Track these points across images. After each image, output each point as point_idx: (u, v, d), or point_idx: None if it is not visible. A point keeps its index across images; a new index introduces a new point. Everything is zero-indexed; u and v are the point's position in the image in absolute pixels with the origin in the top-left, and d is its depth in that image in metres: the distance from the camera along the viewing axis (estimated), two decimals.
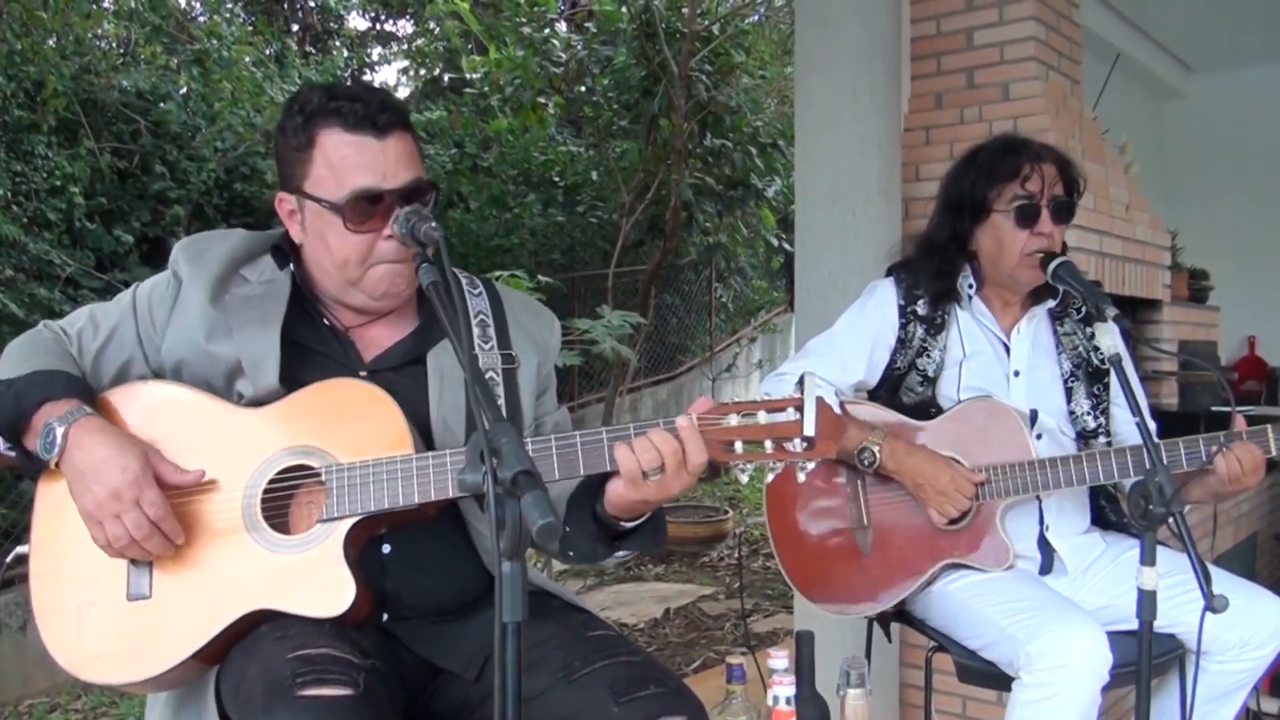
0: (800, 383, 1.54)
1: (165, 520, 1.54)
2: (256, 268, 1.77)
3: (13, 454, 1.61)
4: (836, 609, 2.35)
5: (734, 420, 1.52)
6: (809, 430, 1.50)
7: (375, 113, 1.65)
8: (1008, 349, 2.39)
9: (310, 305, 1.78)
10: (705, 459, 1.51)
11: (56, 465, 1.55)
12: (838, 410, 1.62)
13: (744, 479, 2.02)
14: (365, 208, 1.64)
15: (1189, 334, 4.38)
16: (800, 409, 1.51)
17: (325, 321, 1.77)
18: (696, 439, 1.50)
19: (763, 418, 1.52)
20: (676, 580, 6.59)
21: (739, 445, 1.52)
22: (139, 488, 1.52)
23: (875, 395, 2.47)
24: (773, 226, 9.46)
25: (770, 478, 1.71)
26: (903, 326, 2.39)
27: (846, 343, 2.42)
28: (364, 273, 1.68)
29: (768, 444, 1.52)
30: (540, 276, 6.43)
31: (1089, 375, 2.39)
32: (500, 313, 1.86)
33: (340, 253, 1.67)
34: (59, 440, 1.53)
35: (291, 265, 1.78)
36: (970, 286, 2.39)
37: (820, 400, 1.51)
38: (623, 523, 1.62)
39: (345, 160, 1.64)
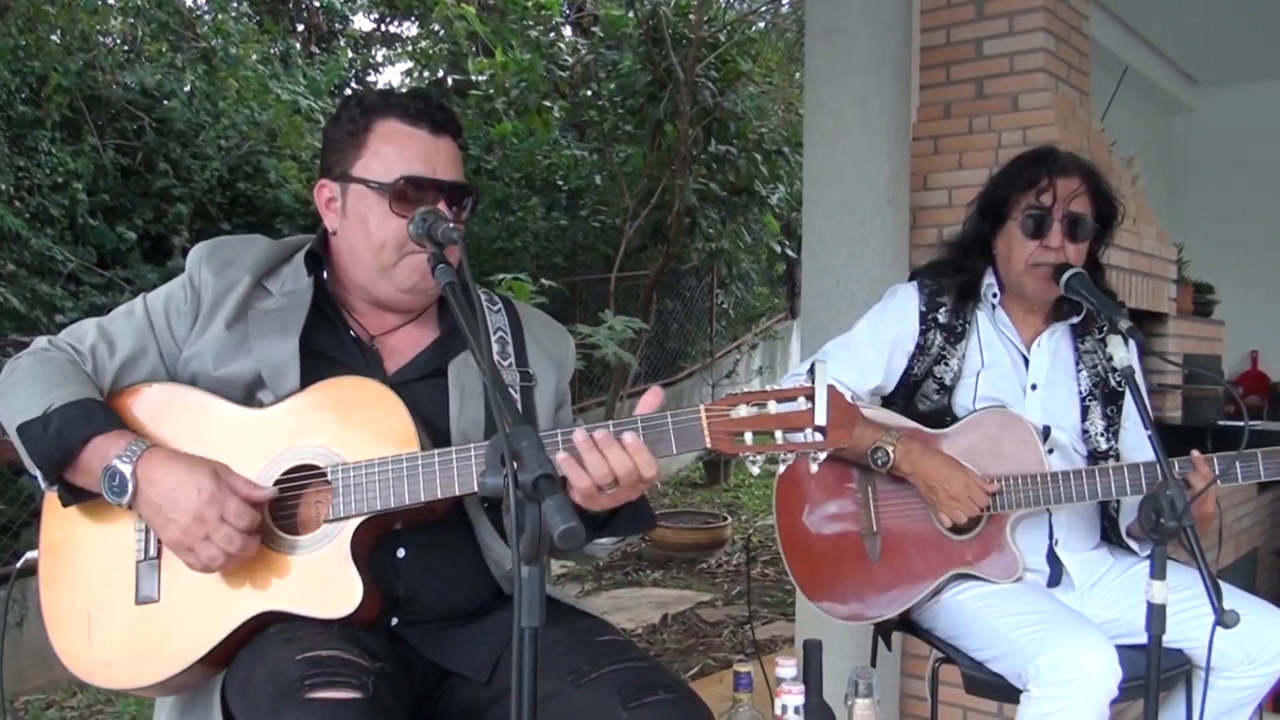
0: (811, 371, 1.52)
1: (256, 524, 1.53)
2: (278, 278, 1.76)
3: (53, 490, 1.58)
4: (843, 616, 2.34)
5: (743, 411, 1.50)
6: (820, 419, 1.48)
7: (434, 111, 1.73)
8: (1026, 361, 2.38)
9: (335, 315, 1.77)
10: (656, 472, 1.51)
11: (129, 506, 1.53)
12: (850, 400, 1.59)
13: (755, 470, 2.04)
14: (411, 193, 1.68)
15: (1193, 348, 4.37)
16: (811, 398, 1.49)
17: (351, 333, 1.77)
18: (645, 453, 1.49)
19: (773, 408, 1.49)
20: (675, 586, 6.58)
21: (749, 436, 1.50)
22: (219, 504, 1.50)
23: (891, 402, 2.46)
24: (776, 233, 9.47)
25: (782, 469, 1.69)
26: (923, 333, 2.39)
27: (865, 346, 2.41)
28: (398, 259, 1.69)
29: (778, 435, 1.49)
30: (542, 280, 6.43)
31: (1105, 395, 2.38)
32: (518, 330, 1.86)
33: (379, 235, 1.69)
34: (130, 482, 1.51)
35: (323, 271, 1.78)
36: (995, 295, 2.39)
37: (832, 389, 1.49)
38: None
39: (400, 146, 1.70)
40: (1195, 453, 2.11)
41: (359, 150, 1.71)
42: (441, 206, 1.68)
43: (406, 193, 1.67)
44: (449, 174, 1.72)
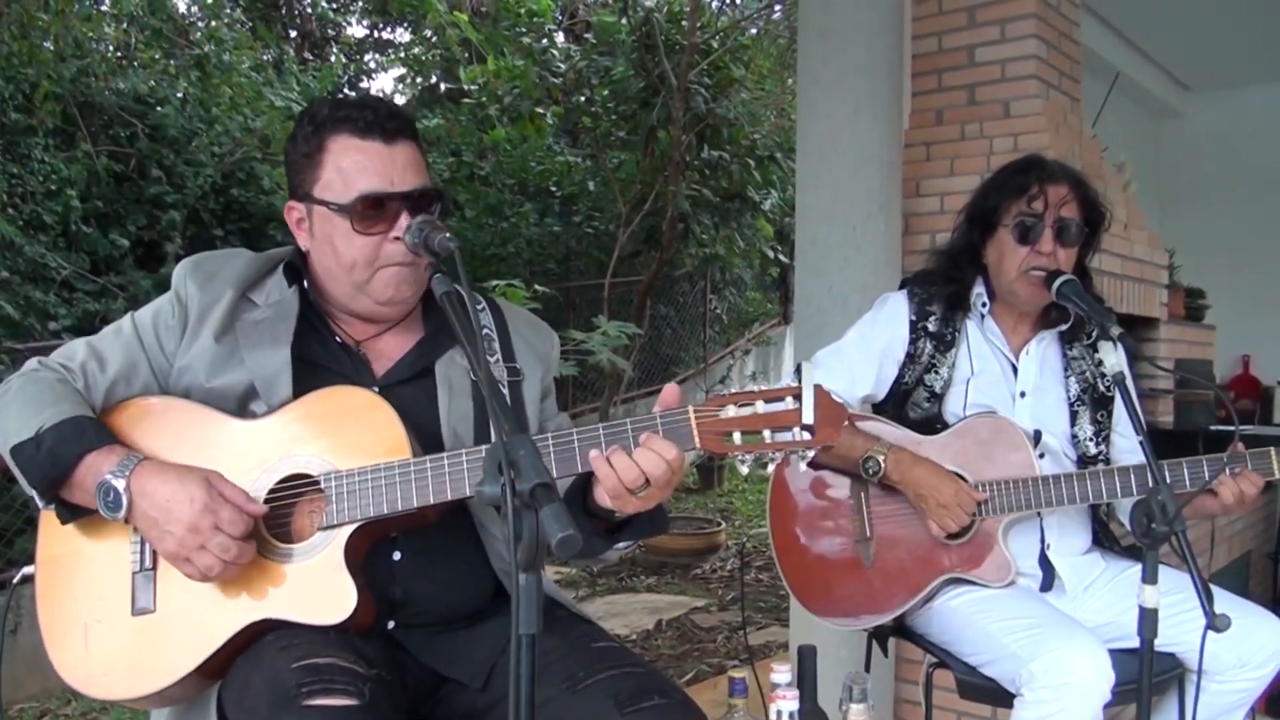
0: (798, 371, 1.54)
1: (250, 530, 1.54)
2: (263, 290, 1.77)
3: (50, 508, 1.58)
4: (837, 621, 2.36)
5: (731, 411, 1.52)
6: (808, 418, 1.49)
7: (384, 120, 1.68)
8: (1015, 369, 2.39)
9: (321, 322, 1.78)
10: (683, 461, 1.52)
11: (126, 520, 1.53)
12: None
13: (744, 470, 2.07)
14: (372, 210, 1.66)
15: (1185, 352, 4.39)
16: (798, 397, 1.50)
17: (337, 339, 1.78)
18: (680, 456, 1.51)
19: (760, 407, 1.51)
20: (669, 592, 6.57)
21: (737, 436, 1.52)
22: (212, 513, 1.50)
23: (882, 409, 2.48)
24: (769, 238, 9.48)
25: (771, 468, 1.71)
26: (912, 341, 2.40)
27: (856, 355, 2.43)
28: (371, 275, 1.69)
29: (766, 434, 1.51)
30: (536, 286, 6.44)
31: (1094, 401, 2.39)
32: (504, 327, 1.88)
33: (347, 255, 1.68)
34: (124, 496, 1.51)
35: (304, 282, 1.78)
36: (984, 305, 2.40)
37: (819, 388, 1.51)
38: (618, 514, 1.62)
39: (354, 164, 1.67)
40: (1239, 443, 2.15)
41: (316, 170, 1.69)
42: (405, 217, 1.66)
43: (367, 211, 1.66)
44: (409, 183, 1.68)
